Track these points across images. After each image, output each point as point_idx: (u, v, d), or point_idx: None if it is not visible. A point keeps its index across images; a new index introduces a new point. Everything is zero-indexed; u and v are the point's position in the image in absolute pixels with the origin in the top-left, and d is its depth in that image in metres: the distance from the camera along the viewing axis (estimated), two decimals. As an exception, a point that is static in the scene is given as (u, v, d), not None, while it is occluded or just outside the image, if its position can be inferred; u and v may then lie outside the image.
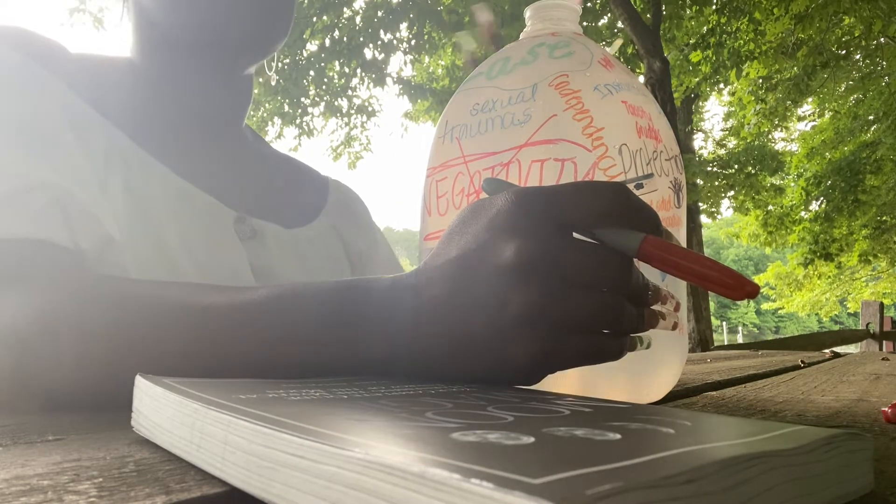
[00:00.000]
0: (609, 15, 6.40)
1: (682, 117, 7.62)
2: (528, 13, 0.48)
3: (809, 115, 9.94)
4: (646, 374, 0.42)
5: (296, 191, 0.72)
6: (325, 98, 6.85)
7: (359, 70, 6.55)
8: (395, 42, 6.39)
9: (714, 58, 6.43)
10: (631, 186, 0.39)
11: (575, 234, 0.31)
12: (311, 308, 0.35)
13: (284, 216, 0.66)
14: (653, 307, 0.34)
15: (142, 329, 0.38)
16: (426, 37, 6.25)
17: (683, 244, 0.45)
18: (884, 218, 9.46)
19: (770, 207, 9.52)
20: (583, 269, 0.30)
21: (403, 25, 6.27)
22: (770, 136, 9.80)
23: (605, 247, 0.31)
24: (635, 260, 0.31)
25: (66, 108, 0.52)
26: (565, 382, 0.36)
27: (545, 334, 0.30)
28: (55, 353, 0.38)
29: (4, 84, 0.50)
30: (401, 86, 6.81)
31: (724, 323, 32.71)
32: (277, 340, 0.35)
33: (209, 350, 0.36)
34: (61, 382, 0.38)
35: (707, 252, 16.39)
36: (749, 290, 0.28)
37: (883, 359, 1.03)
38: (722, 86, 8.08)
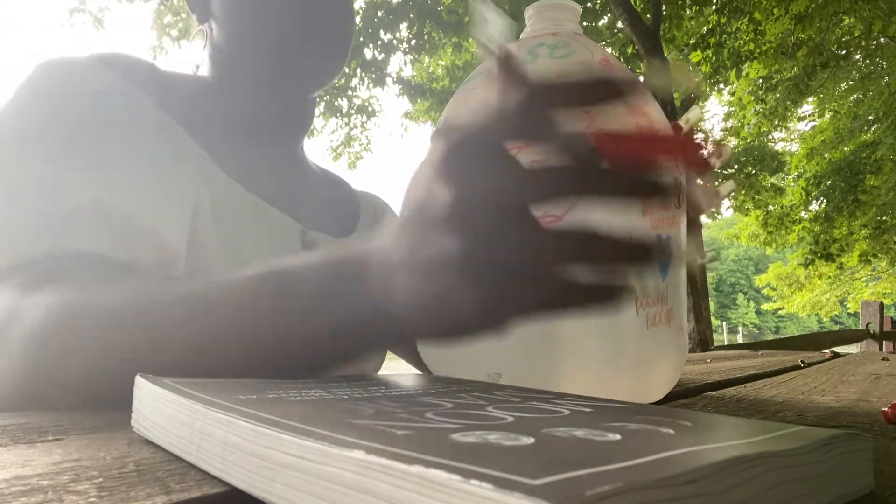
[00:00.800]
0: (609, 15, 6.40)
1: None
2: (528, 13, 0.48)
3: (809, 115, 9.94)
4: (646, 374, 0.42)
5: (337, 203, 0.74)
6: (325, 98, 6.84)
7: (359, 70, 6.54)
8: (395, 42, 6.39)
9: (714, 58, 6.42)
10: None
11: (509, 151, 0.28)
12: (296, 284, 0.36)
13: (333, 228, 0.69)
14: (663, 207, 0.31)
15: (141, 327, 0.38)
16: (426, 37, 6.24)
17: (684, 245, 0.45)
18: (884, 218, 9.47)
19: (770, 207, 9.52)
20: (513, 189, 0.27)
21: (403, 25, 6.26)
22: (770, 136, 9.79)
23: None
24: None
25: (159, 128, 0.54)
26: (565, 382, 0.36)
27: (491, 281, 0.28)
28: (71, 349, 0.38)
29: (93, 102, 0.51)
30: (401, 86, 6.80)
31: (724, 323, 32.73)
32: (266, 314, 0.36)
33: (209, 337, 0.37)
34: (80, 379, 0.38)
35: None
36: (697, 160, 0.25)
37: (883, 359, 1.03)
38: (722, 86, 8.06)
